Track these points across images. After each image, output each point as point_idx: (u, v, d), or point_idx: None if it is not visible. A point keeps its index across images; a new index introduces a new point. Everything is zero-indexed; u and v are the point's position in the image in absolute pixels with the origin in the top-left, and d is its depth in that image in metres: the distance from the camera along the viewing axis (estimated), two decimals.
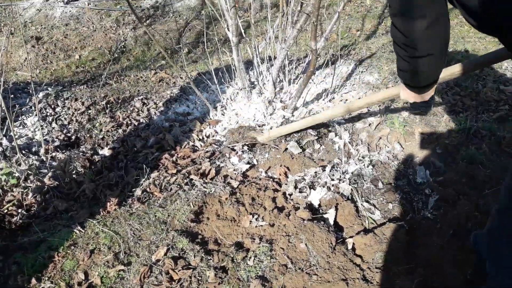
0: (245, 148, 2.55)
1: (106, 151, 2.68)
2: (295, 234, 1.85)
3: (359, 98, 2.41)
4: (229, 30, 2.67)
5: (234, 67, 2.93)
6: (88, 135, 2.87)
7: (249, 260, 1.81)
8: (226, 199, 2.17)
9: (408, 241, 1.84)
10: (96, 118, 3.04)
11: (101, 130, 2.91)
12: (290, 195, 2.15)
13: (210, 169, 2.35)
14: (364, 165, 2.25)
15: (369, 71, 3.39)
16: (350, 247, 1.84)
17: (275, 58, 2.91)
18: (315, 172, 2.22)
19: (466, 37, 4.39)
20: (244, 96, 2.98)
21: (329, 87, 3.08)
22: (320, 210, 2.03)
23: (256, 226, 2.01)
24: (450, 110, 2.74)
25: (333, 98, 3.03)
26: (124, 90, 3.52)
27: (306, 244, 1.79)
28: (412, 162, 2.31)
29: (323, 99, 3.00)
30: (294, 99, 2.71)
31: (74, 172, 2.37)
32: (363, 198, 2.06)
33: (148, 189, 2.27)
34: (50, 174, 2.33)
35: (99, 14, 6.33)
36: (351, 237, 1.88)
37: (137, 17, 2.40)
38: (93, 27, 6.02)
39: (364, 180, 2.16)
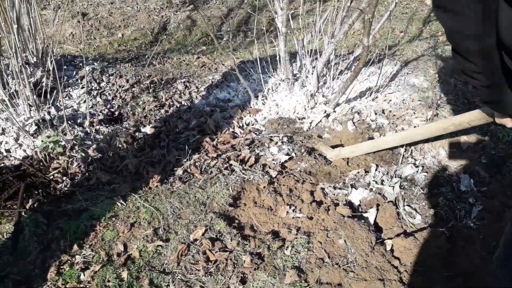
0: (285, 139, 2.55)
1: (148, 129, 2.73)
2: (334, 230, 1.85)
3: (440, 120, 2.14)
4: (278, 20, 2.67)
5: (278, 57, 2.93)
6: (131, 112, 2.94)
7: (286, 249, 1.82)
8: (264, 187, 2.18)
9: (449, 249, 1.81)
10: (139, 96, 3.10)
11: (144, 109, 2.96)
12: (330, 191, 2.15)
13: (250, 157, 2.37)
14: (418, 170, 2.21)
15: (414, 74, 3.32)
16: (388, 248, 1.82)
17: (320, 52, 2.89)
18: (358, 172, 2.21)
19: None
20: (286, 88, 2.98)
21: (373, 86, 3.04)
22: (360, 209, 2.02)
23: (293, 217, 2.01)
24: None
25: (377, 97, 2.99)
26: (167, 72, 3.57)
27: (345, 241, 1.79)
28: (457, 169, 2.26)
29: (366, 97, 2.97)
30: (337, 94, 2.69)
31: (118, 146, 2.43)
32: (405, 201, 2.03)
33: (189, 170, 2.31)
34: (94, 146, 2.40)
35: None
36: (390, 238, 1.87)
37: (192, 1, 2.42)
38: (137, 7, 6.11)
39: (415, 185, 2.13)
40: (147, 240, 1.90)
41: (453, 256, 1.78)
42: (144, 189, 2.15)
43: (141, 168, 2.28)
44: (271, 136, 2.57)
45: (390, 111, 2.77)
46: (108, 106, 2.95)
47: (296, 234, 1.89)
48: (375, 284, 1.67)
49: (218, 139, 2.60)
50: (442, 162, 2.33)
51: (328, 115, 2.76)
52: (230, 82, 3.41)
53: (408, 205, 2.02)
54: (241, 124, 2.77)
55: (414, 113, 2.74)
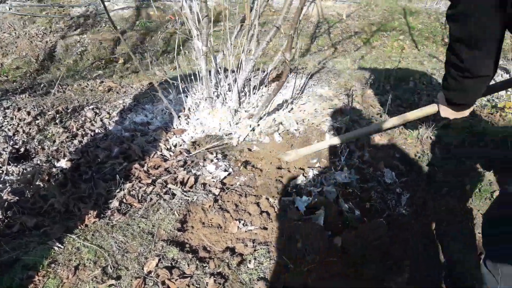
0: (219, 156, 2.54)
1: (64, 163, 2.48)
2: (290, 235, 1.90)
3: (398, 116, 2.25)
4: (198, 39, 2.68)
5: (198, 76, 2.93)
6: (39, 146, 2.63)
7: (249, 263, 1.81)
8: (210, 206, 2.15)
9: (390, 236, 1.99)
10: (46, 128, 2.79)
11: (54, 141, 2.68)
12: (275, 200, 2.20)
13: (188, 178, 2.31)
14: (351, 172, 2.38)
15: (320, 85, 3.61)
16: (339, 244, 1.93)
17: (238, 68, 2.96)
18: (298, 179, 2.31)
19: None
20: (208, 106, 2.98)
21: (287, 98, 3.21)
22: (308, 212, 2.11)
23: (245, 231, 2.01)
24: None
25: (292, 108, 3.16)
26: (71, 100, 3.28)
27: (302, 243, 1.85)
28: (379, 165, 2.50)
29: (283, 110, 3.12)
30: (261, 108, 2.79)
31: (39, 185, 2.16)
32: (344, 200, 2.18)
33: (125, 200, 2.15)
34: (8, 188, 2.10)
35: (22, 20, 5.83)
36: (338, 234, 1.98)
37: (113, 24, 2.29)
38: (15, 33, 5.52)
39: (349, 185, 2.29)
40: (96, 281, 1.72)
41: (394, 243, 1.97)
42: (80, 227, 1.94)
43: (71, 205, 2.05)
44: (205, 155, 2.54)
45: (308, 119, 2.96)
46: (11, 143, 2.60)
47: (254, 247, 1.90)
48: (335, 279, 1.76)
49: (147, 164, 2.47)
50: (366, 160, 2.56)
51: (253, 129, 2.83)
52: (144, 105, 3.28)
53: (347, 203, 2.18)
54: (168, 146, 2.68)
55: (327, 119, 2.97)
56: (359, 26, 7.27)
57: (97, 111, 3.14)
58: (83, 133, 2.82)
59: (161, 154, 2.59)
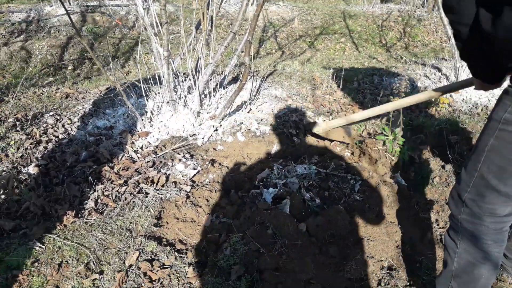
0: (187, 155, 2.69)
1: (31, 169, 2.50)
2: (261, 223, 2.09)
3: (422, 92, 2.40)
4: (158, 45, 2.81)
5: (160, 80, 3.05)
6: (3, 154, 2.62)
7: (225, 250, 1.98)
8: (182, 202, 2.29)
9: (349, 220, 2.25)
10: (8, 136, 2.78)
11: (18, 148, 2.68)
12: (244, 194, 2.39)
13: (159, 177, 2.43)
14: (310, 165, 2.62)
15: (274, 86, 3.84)
16: (304, 229, 2.16)
17: (196, 72, 3.11)
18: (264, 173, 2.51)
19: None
20: (170, 109, 3.11)
21: (245, 100, 3.42)
22: (276, 202, 2.32)
23: (218, 223, 2.18)
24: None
25: (251, 109, 3.37)
26: (30, 107, 3.25)
27: (273, 230, 2.05)
28: (330, 156, 2.77)
29: (242, 110, 3.32)
30: (223, 109, 2.96)
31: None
32: (306, 190, 2.41)
33: (99, 200, 2.24)
34: None
35: None
36: (303, 221, 2.21)
37: (76, 30, 2.36)
38: None
39: (309, 176, 2.53)
40: (80, 276, 1.81)
41: (354, 225, 2.23)
42: (59, 227, 2.01)
43: (47, 207, 2.11)
44: (172, 155, 2.67)
45: (266, 119, 3.18)
46: None
47: (228, 235, 2.07)
48: (304, 261, 1.98)
49: (117, 166, 2.56)
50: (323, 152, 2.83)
51: (216, 129, 3.00)
52: (105, 110, 3.33)
53: (308, 192, 2.41)
54: (135, 149, 2.78)
55: (284, 115, 3.21)
56: (303, 30, 7.65)
57: (58, 117, 3.15)
58: (47, 139, 2.84)
59: (129, 156, 2.69)
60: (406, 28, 7.59)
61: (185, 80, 3.15)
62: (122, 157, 2.67)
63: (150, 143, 2.87)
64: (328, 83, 4.01)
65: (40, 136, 2.86)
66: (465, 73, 3.85)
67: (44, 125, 3.01)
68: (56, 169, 2.53)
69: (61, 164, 2.57)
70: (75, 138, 2.90)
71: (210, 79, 3.40)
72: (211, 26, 2.98)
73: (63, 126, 3.05)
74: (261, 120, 3.15)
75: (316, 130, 2.86)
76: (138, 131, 3.00)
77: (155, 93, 3.22)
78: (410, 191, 2.58)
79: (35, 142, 2.77)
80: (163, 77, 2.92)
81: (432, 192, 2.60)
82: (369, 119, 3.12)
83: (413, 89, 4.07)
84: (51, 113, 3.19)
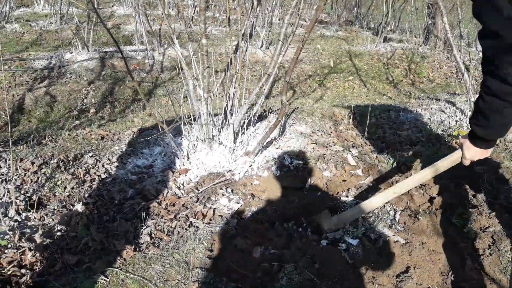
0: (229, 190, 2.80)
1: (79, 207, 2.61)
2: (312, 256, 2.18)
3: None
4: (199, 88, 2.99)
5: (196, 119, 3.21)
6: (51, 193, 2.74)
7: (281, 279, 2.05)
8: (232, 235, 2.38)
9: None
10: (54, 176, 2.90)
11: (65, 187, 2.80)
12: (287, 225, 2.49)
13: (207, 211, 2.54)
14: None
15: (298, 123, 4.01)
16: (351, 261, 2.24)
17: (227, 111, 3.28)
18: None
19: None
20: (205, 147, 3.25)
21: (275, 136, 3.57)
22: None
23: (268, 254, 2.27)
24: (376, 150, 3.49)
25: (279, 145, 3.52)
26: (69, 149, 3.40)
27: (320, 263, 2.14)
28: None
29: (272, 146, 3.46)
30: (258, 145, 3.11)
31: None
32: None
33: (153, 235, 2.33)
34: (40, 231, 2.21)
35: None
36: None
37: (129, 73, 2.54)
38: None
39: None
40: None
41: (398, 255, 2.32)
42: (119, 261, 2.09)
43: (105, 242, 2.20)
44: (213, 190, 2.79)
45: (297, 154, 3.32)
46: (22, 192, 2.69)
47: (281, 266, 2.15)
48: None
49: (164, 202, 2.67)
50: None
51: (251, 165, 3.13)
52: (142, 149, 3.48)
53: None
54: (178, 185, 2.89)
55: (313, 150, 3.35)
56: (312, 69, 7.96)
57: (97, 158, 3.29)
58: (91, 178, 2.96)
59: (173, 192, 2.80)
60: (411, 65, 7.91)
61: (222, 119, 3.32)
62: (167, 193, 2.78)
63: (191, 180, 2.99)
64: (349, 119, 4.18)
65: (84, 175, 2.98)
66: None
67: (85, 165, 3.14)
68: (105, 206, 2.64)
69: (109, 202, 2.68)
70: (118, 177, 3.02)
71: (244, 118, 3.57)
72: (244, 69, 3.18)
73: (103, 166, 3.18)
74: (293, 154, 3.29)
75: (327, 226, 2.41)
76: (177, 169, 3.12)
77: (188, 132, 3.37)
78: (446, 219, 2.68)
79: (80, 182, 2.89)
80: (198, 117, 3.09)
81: (467, 220, 2.70)
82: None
83: (431, 122, 4.24)
84: (90, 154, 3.32)
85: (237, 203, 2.68)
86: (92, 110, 5.84)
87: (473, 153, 1.57)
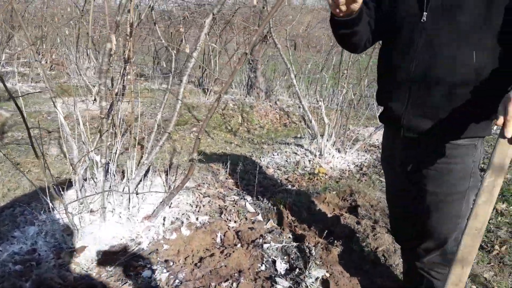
0: (141, 261, 2.59)
1: None
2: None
3: None
4: (97, 154, 2.73)
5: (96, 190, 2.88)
6: None
7: None
8: None
9: None
10: None
11: None
12: None
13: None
14: None
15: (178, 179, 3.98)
16: None
17: (124, 174, 3.07)
18: None
19: None
20: (95, 218, 2.93)
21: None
22: None
23: None
24: (259, 193, 3.75)
25: (172, 204, 3.43)
26: None
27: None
28: None
29: (166, 206, 3.35)
30: (161, 207, 2.98)
31: None
32: None
33: None
34: None
35: None
36: None
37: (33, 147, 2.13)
38: None
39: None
40: None
41: None
42: None
43: None
44: (125, 265, 2.53)
45: (198, 210, 3.31)
46: None
47: None
48: None
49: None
50: None
51: (154, 230, 2.96)
52: (12, 232, 2.86)
53: None
54: (83, 266, 2.50)
55: (211, 203, 3.40)
56: (154, 123, 7.90)
57: None
58: None
59: (82, 275, 2.42)
60: (243, 114, 8.72)
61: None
62: (73, 278, 2.38)
63: (94, 257, 2.63)
64: (225, 168, 4.38)
65: None
66: (327, 148, 4.83)
67: None
68: None
69: None
70: None
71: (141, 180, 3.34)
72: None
73: None
74: (195, 211, 3.26)
75: None
76: (70, 248, 2.70)
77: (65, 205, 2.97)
78: None
79: None
80: (98, 184, 2.79)
81: None
82: None
83: (289, 164, 4.81)
84: None
85: (163, 272, 2.50)
86: None
87: None
